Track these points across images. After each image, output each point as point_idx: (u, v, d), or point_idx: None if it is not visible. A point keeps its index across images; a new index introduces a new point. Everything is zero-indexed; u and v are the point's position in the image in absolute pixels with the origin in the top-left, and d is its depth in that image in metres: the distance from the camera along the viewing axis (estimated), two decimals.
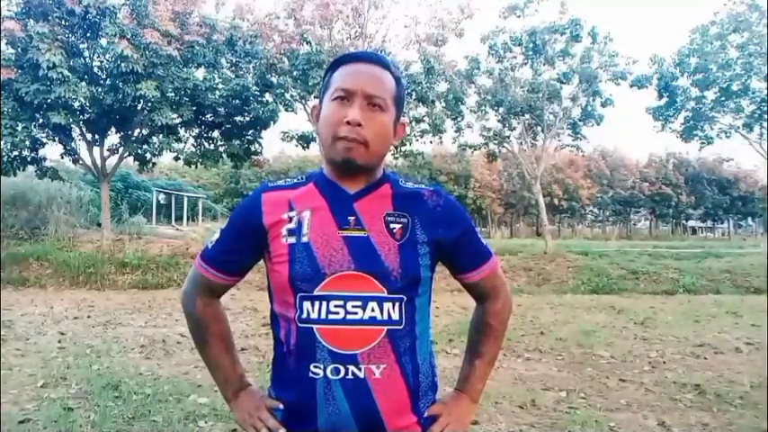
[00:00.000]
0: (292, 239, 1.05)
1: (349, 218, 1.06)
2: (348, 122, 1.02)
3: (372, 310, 1.02)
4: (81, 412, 3.37)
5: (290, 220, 1.07)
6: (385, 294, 1.03)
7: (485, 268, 1.16)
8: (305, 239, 1.04)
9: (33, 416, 3.29)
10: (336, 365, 1.01)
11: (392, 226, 1.06)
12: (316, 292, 1.02)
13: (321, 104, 1.10)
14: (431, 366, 1.13)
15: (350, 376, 1.01)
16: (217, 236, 1.15)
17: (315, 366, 1.02)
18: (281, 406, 1.10)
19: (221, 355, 1.19)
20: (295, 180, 1.14)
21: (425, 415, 1.11)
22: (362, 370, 1.01)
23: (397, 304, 1.04)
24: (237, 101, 12.66)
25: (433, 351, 1.17)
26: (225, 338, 1.20)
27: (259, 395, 1.17)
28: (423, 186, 1.14)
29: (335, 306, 1.02)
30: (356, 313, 1.02)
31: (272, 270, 1.09)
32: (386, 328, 1.03)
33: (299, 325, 1.04)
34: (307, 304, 1.03)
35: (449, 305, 7.86)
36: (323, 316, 1.02)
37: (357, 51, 1.13)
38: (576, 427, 3.35)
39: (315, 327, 1.02)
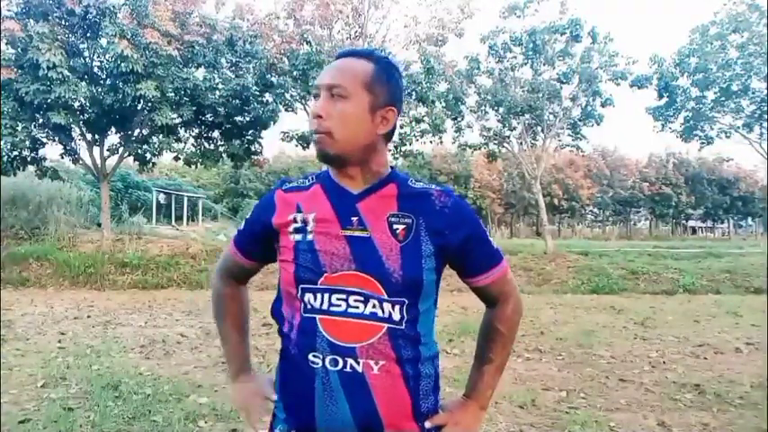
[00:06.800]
0: (298, 237, 1.07)
1: (352, 218, 1.05)
2: (315, 117, 1.05)
3: (374, 306, 1.02)
4: (81, 412, 3.37)
5: (296, 221, 1.09)
6: (384, 297, 1.02)
7: (494, 272, 1.13)
8: (309, 237, 1.06)
9: (33, 416, 3.29)
10: (335, 357, 1.02)
11: (395, 227, 1.05)
12: (319, 285, 1.04)
13: None
14: (433, 368, 1.10)
15: (348, 369, 1.01)
16: (243, 223, 1.22)
17: (314, 356, 1.03)
18: (275, 398, 1.14)
19: (231, 333, 1.28)
20: (306, 181, 1.16)
21: (429, 425, 1.08)
22: (360, 364, 1.01)
23: (397, 306, 1.03)
24: (237, 101, 12.65)
25: (438, 352, 1.14)
26: (237, 318, 1.29)
27: (261, 380, 1.23)
28: (432, 186, 1.11)
29: (338, 299, 1.03)
30: (357, 307, 1.02)
31: (279, 265, 1.12)
32: (386, 325, 1.02)
33: (303, 315, 1.05)
34: (309, 296, 1.05)
35: (449, 305, 7.84)
36: (325, 307, 1.03)
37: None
38: (575, 427, 3.35)
39: (317, 317, 1.04)
